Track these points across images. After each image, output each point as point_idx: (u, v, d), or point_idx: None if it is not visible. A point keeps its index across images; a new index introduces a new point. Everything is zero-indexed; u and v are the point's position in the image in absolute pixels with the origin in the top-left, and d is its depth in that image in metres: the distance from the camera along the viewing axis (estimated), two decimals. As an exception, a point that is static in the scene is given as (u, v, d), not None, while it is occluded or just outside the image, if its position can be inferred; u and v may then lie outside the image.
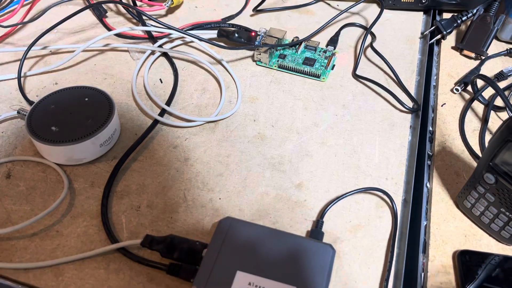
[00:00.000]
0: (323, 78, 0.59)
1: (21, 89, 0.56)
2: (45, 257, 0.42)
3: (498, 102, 0.55)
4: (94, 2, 0.67)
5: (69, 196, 0.47)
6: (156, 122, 0.54)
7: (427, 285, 0.40)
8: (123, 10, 0.70)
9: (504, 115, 0.54)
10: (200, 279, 0.37)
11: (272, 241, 0.40)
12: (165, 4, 0.66)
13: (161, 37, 0.64)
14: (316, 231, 0.43)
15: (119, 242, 0.43)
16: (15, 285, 0.41)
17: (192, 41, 0.64)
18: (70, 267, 0.42)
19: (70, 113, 0.50)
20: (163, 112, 0.55)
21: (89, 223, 0.45)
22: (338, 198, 0.46)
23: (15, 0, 0.67)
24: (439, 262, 0.42)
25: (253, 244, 0.40)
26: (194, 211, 0.46)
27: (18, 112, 0.53)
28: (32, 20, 0.61)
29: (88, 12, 0.69)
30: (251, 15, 0.69)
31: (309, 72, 0.59)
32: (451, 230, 0.44)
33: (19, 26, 0.65)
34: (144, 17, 0.65)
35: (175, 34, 0.63)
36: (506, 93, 0.56)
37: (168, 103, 0.56)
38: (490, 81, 0.52)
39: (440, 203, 0.46)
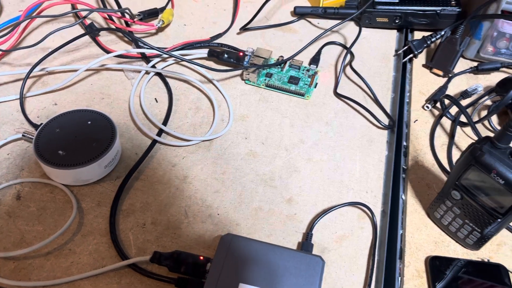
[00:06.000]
0: (307, 96, 0.64)
1: (23, 111, 0.59)
2: (61, 274, 0.46)
3: (464, 118, 0.62)
4: (88, 24, 0.70)
5: (78, 216, 0.51)
6: (154, 142, 0.58)
7: (403, 288, 0.46)
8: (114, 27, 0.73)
9: (469, 130, 0.61)
10: (207, 291, 0.42)
11: (269, 255, 0.45)
12: (157, 24, 0.70)
13: (154, 57, 0.67)
14: (307, 243, 0.48)
15: (129, 258, 0.47)
16: (35, 301, 0.45)
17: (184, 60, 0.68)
18: (85, 283, 0.46)
19: (75, 137, 0.53)
20: (160, 131, 0.59)
21: (99, 240, 0.49)
22: (325, 212, 0.52)
23: (7, 20, 0.69)
24: (413, 267, 0.48)
25: (252, 258, 0.45)
26: (195, 226, 0.51)
27: (23, 135, 0.56)
28: (35, 44, 0.63)
29: (80, 30, 0.72)
30: (238, 33, 0.73)
31: (294, 91, 0.64)
32: (423, 238, 0.50)
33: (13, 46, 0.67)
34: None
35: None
36: (470, 110, 0.63)
37: (165, 122, 0.60)
38: (455, 101, 0.59)
39: (414, 214, 0.52)
